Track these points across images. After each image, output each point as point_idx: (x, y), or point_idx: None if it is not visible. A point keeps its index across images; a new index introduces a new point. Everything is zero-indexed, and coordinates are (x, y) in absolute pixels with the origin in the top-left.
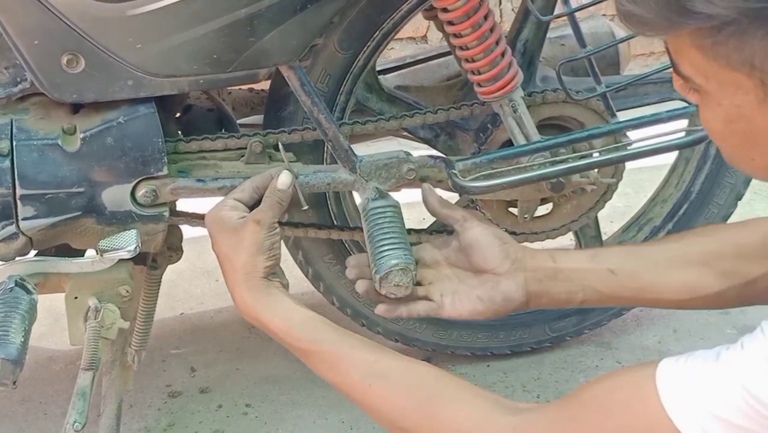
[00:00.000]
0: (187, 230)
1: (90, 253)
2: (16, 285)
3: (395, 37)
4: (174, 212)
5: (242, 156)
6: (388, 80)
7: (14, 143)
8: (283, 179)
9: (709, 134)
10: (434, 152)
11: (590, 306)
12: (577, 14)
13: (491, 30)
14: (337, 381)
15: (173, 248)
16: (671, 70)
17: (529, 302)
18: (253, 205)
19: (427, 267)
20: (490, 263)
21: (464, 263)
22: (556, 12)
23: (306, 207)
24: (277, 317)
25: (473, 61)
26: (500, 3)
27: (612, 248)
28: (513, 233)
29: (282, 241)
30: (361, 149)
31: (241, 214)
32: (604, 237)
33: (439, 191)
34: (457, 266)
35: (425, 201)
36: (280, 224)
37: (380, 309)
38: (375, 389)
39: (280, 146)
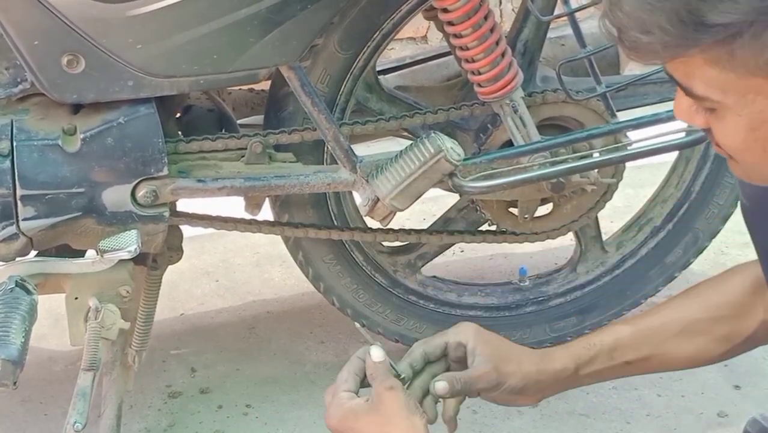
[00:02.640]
0: (188, 230)
1: (90, 253)
2: (16, 286)
3: (395, 38)
4: (174, 213)
5: (242, 156)
6: (389, 80)
7: (14, 144)
8: (376, 353)
9: (728, 151)
10: None
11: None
12: (577, 14)
13: (491, 30)
14: None
15: (173, 249)
16: (676, 96)
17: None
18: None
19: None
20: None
21: None
22: (557, 12)
23: (404, 375)
24: None
25: (473, 61)
26: (500, 3)
27: (624, 333)
28: (513, 233)
29: (284, 242)
30: (361, 149)
31: (364, 398)
32: (604, 237)
33: (439, 191)
34: None
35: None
36: (281, 223)
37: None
38: None
39: (358, 326)
